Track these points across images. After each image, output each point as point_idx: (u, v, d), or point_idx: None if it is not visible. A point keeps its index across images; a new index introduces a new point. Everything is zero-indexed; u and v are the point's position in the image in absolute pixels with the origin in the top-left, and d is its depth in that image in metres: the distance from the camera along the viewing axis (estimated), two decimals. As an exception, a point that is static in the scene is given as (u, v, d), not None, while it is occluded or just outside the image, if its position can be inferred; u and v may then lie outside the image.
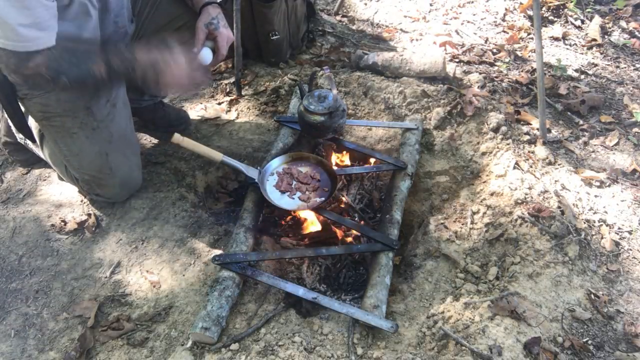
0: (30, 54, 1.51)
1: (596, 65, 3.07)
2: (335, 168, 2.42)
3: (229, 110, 2.67)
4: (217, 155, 1.94)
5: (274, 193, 2.05)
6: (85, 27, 1.71)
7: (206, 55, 1.91)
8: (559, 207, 2.04)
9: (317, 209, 2.03)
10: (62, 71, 1.60)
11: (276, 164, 2.16)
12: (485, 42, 3.23)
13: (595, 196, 2.20)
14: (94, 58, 1.64)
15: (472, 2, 3.65)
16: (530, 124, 2.53)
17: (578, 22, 3.46)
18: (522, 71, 2.95)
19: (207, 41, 1.94)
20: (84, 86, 1.73)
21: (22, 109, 1.95)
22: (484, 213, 2.10)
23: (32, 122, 2.00)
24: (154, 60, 1.66)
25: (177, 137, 1.92)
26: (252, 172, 2.03)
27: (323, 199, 2.02)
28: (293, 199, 2.04)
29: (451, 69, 2.71)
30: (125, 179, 2.06)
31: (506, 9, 3.55)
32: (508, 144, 2.32)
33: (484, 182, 2.25)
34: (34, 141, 2.10)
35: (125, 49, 1.72)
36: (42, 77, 1.59)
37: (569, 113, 2.68)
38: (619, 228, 2.07)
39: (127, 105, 2.06)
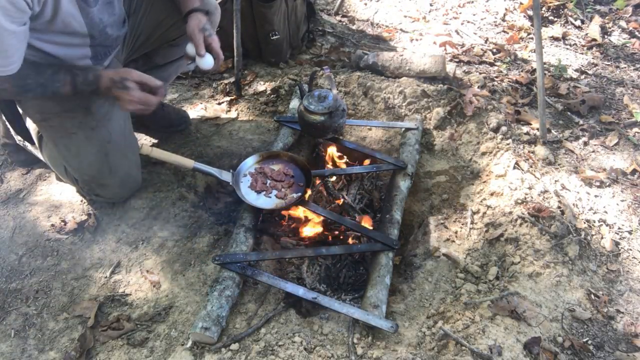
0: None
1: (596, 65, 3.07)
2: (332, 167, 2.42)
3: (229, 110, 2.67)
4: (189, 163, 1.92)
5: (250, 194, 2.03)
6: (71, 38, 1.71)
7: (209, 60, 1.91)
8: (559, 207, 2.04)
9: (314, 207, 2.03)
10: (28, 89, 1.65)
11: (248, 165, 2.14)
12: (485, 42, 3.23)
13: (595, 196, 2.20)
14: (61, 79, 1.68)
15: (472, 2, 3.65)
16: (530, 124, 2.53)
17: (578, 22, 3.46)
18: (522, 71, 2.95)
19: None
20: (52, 98, 1.77)
21: (20, 111, 1.95)
22: (484, 213, 2.10)
23: (30, 124, 1.99)
24: (115, 90, 1.72)
25: (145, 148, 1.92)
26: (225, 176, 2.01)
27: (300, 194, 2.02)
28: (270, 197, 2.03)
29: (451, 69, 2.71)
30: (125, 178, 2.06)
31: (506, 9, 3.56)
32: (508, 144, 2.32)
33: (484, 182, 2.25)
34: (32, 143, 2.10)
35: (91, 71, 1.73)
36: (7, 92, 1.64)
37: (569, 113, 2.68)
38: (619, 228, 2.08)
39: None
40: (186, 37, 1.94)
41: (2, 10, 1.35)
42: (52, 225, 2.08)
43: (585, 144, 2.50)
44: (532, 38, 3.29)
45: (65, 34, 1.67)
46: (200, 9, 1.92)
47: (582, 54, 3.19)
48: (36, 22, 1.54)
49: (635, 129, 2.57)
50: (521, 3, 3.59)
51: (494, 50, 3.14)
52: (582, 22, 3.47)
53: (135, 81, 1.73)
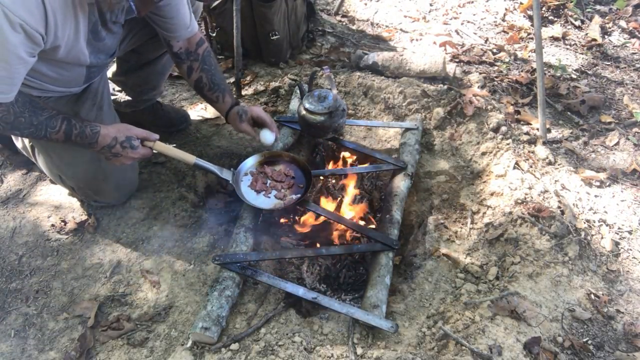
0: None
1: (596, 65, 3.07)
2: (333, 167, 2.42)
3: (229, 110, 2.67)
4: (190, 158, 1.91)
5: (249, 193, 2.03)
6: (71, 66, 1.70)
7: (267, 135, 2.00)
8: (559, 207, 2.04)
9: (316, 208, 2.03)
10: (17, 127, 1.58)
11: (250, 164, 2.14)
12: (485, 42, 3.23)
13: (595, 196, 2.20)
14: (55, 125, 1.63)
15: (472, 2, 3.65)
16: (530, 124, 2.53)
17: (578, 22, 3.46)
18: (522, 71, 2.95)
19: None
20: (37, 140, 1.77)
21: None
22: (484, 213, 2.10)
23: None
24: (117, 147, 1.73)
25: (147, 142, 1.91)
26: (226, 174, 2.00)
27: (299, 195, 2.02)
28: (269, 197, 2.02)
29: (451, 69, 2.71)
30: (121, 182, 2.05)
31: (506, 9, 3.56)
32: (508, 144, 2.32)
33: (484, 182, 2.25)
34: (24, 154, 2.09)
35: (89, 125, 1.69)
36: None
37: (569, 113, 2.68)
38: (619, 228, 2.08)
39: (112, 107, 2.05)
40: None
41: (19, 38, 1.35)
42: (52, 225, 2.08)
43: (585, 144, 2.50)
44: (532, 38, 3.29)
45: (68, 63, 1.66)
46: (233, 105, 2.06)
47: (582, 54, 3.19)
48: (45, 54, 1.53)
49: (635, 129, 2.57)
50: (521, 3, 3.59)
51: (494, 50, 3.14)
52: (582, 22, 3.47)
53: (139, 138, 1.78)
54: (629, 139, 2.50)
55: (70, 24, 1.50)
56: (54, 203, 2.17)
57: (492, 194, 2.16)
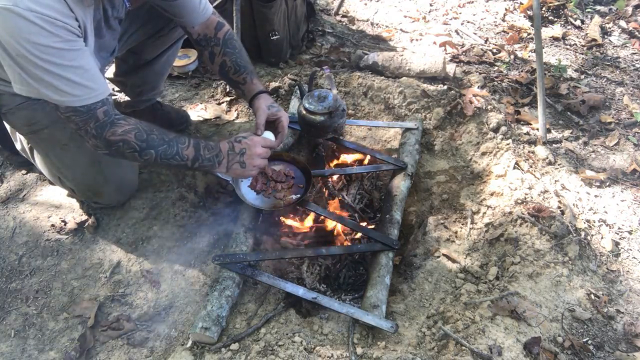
0: (111, 116, 1.55)
1: (596, 65, 3.07)
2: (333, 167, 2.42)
3: (229, 110, 2.67)
4: None
5: (249, 193, 2.03)
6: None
7: (269, 137, 1.95)
8: (559, 207, 2.04)
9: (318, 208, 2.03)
10: (152, 145, 1.62)
11: None
12: (485, 42, 3.23)
13: (595, 196, 2.20)
14: (184, 141, 1.68)
15: (472, 2, 3.65)
16: (530, 124, 2.53)
17: (578, 22, 3.46)
18: (522, 71, 2.95)
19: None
20: (166, 166, 1.78)
21: (8, 127, 1.92)
22: (484, 213, 2.10)
23: (22, 138, 1.97)
24: (235, 144, 1.76)
25: None
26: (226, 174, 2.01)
27: (299, 196, 2.02)
28: (269, 197, 2.03)
29: (451, 69, 2.71)
30: (121, 184, 2.04)
31: (506, 9, 3.56)
32: (508, 144, 2.32)
33: (484, 182, 2.25)
34: (24, 156, 2.09)
35: (205, 138, 1.73)
36: (129, 145, 1.59)
37: (569, 113, 2.68)
38: (619, 228, 2.08)
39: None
40: (173, 25, 1.93)
41: (59, 38, 1.37)
42: (52, 225, 2.08)
43: (585, 144, 2.50)
44: (532, 38, 3.29)
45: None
46: (265, 91, 1.99)
47: (582, 54, 3.19)
48: None
49: (635, 129, 2.57)
50: (521, 3, 3.59)
51: (494, 50, 3.14)
52: (582, 22, 3.47)
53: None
54: (629, 139, 2.50)
55: (86, 23, 1.51)
56: (54, 203, 2.17)
57: (492, 194, 2.16)
